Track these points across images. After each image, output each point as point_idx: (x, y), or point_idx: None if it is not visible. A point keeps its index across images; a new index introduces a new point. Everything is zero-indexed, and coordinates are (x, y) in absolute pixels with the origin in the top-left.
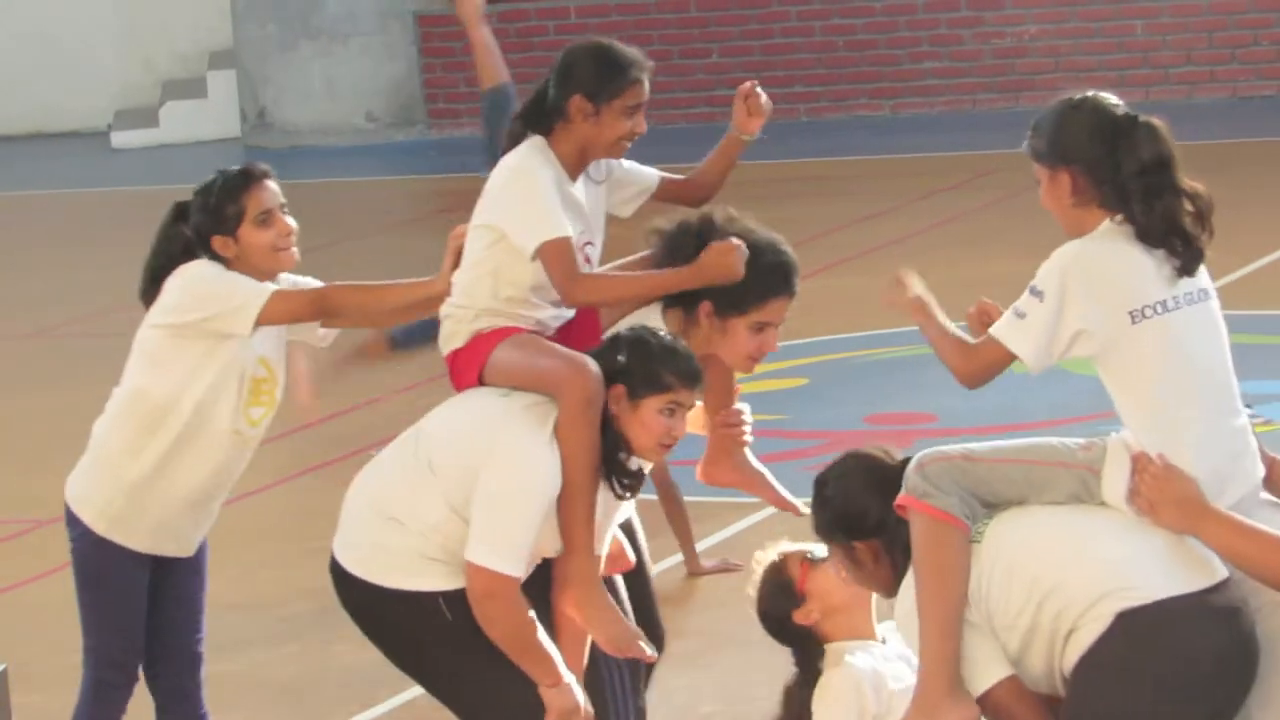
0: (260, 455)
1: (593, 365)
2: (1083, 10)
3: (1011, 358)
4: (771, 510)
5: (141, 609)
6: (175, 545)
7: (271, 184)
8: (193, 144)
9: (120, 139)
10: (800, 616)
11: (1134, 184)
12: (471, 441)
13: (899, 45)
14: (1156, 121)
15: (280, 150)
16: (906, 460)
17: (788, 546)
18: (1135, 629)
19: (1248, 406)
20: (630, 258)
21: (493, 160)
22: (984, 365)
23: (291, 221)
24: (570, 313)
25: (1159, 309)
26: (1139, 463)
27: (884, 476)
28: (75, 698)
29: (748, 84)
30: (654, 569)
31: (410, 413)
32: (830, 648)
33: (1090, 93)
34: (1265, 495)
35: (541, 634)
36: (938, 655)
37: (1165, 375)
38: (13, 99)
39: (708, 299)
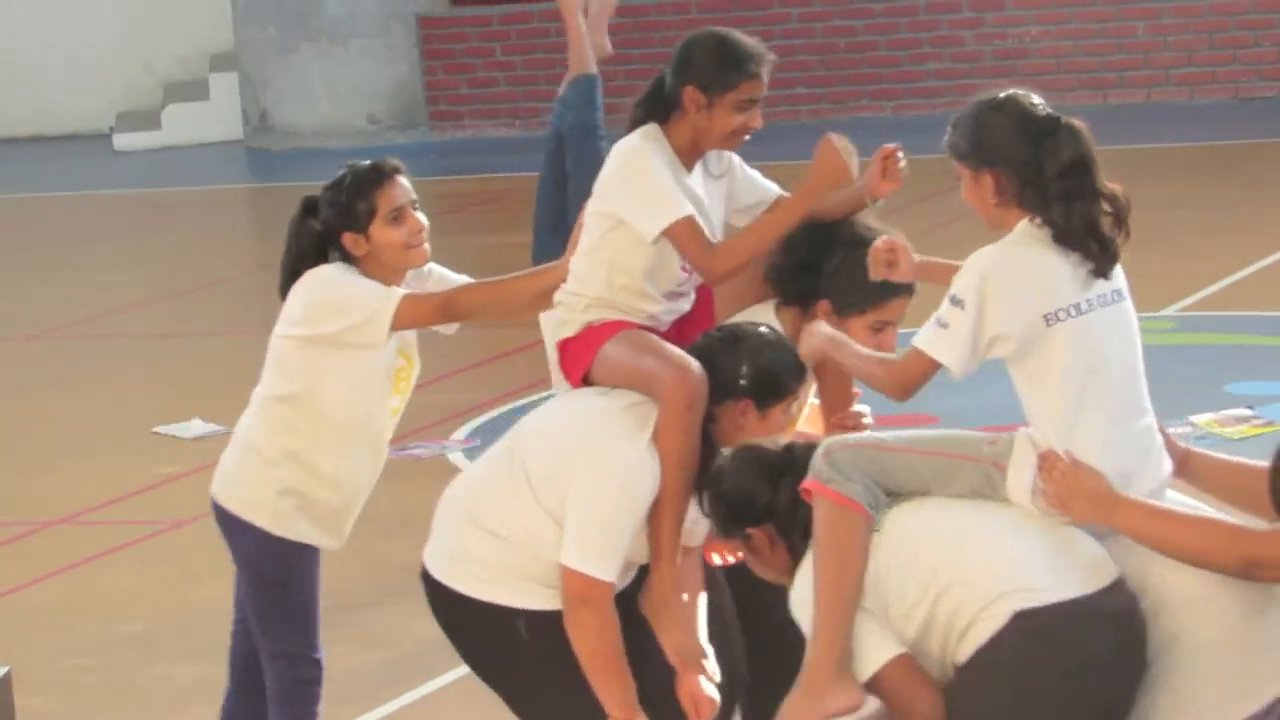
0: None
1: (696, 367)
2: (1084, 11)
3: (938, 366)
4: None
5: (319, 601)
6: (337, 539)
7: (403, 180)
8: (195, 146)
9: (122, 141)
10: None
11: (1055, 186)
12: (569, 443)
13: (900, 47)
14: (1078, 123)
15: (282, 152)
16: (791, 447)
17: None
18: (1031, 629)
19: (1249, 407)
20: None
21: (587, 145)
22: (912, 377)
23: (422, 218)
24: (686, 306)
25: (1073, 311)
26: (1047, 461)
27: (769, 463)
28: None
29: (891, 145)
30: None
31: (428, 410)
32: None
33: (1011, 92)
34: (1173, 494)
35: (625, 662)
36: (830, 639)
37: (1076, 376)
38: (14, 101)
39: (826, 298)
